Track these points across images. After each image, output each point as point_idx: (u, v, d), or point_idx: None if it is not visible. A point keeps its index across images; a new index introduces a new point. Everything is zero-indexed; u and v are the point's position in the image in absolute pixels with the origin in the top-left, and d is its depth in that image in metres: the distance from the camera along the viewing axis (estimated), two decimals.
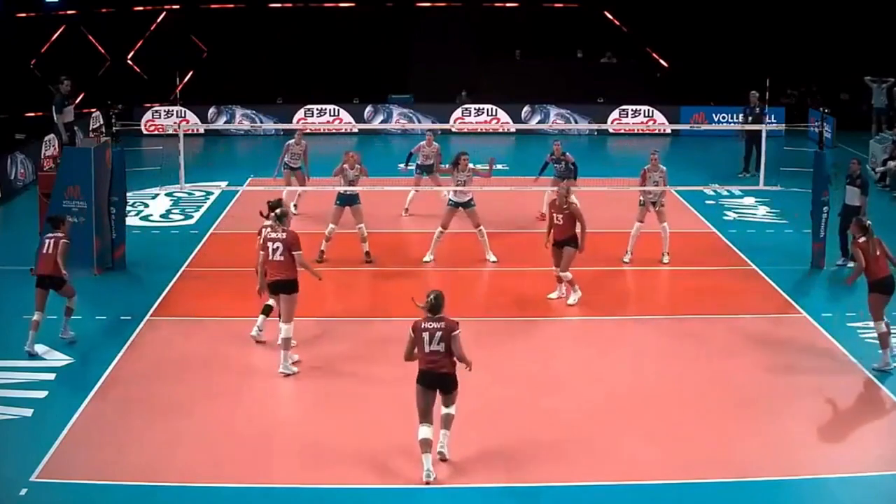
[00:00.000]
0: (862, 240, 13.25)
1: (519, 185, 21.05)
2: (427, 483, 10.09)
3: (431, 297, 10.30)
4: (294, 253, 12.77)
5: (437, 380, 10.27)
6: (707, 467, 10.64)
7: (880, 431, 11.65)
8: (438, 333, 10.20)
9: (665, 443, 11.19)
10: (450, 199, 17.59)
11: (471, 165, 17.40)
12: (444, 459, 10.45)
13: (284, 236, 12.84)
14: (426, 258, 17.48)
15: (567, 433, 11.31)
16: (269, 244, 12.84)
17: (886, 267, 13.24)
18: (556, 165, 19.47)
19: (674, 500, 10.09)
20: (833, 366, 13.39)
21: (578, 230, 15.23)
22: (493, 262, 17.42)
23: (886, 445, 11.27)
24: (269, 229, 13.06)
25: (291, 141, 20.53)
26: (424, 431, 10.21)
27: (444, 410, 10.41)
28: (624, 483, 10.34)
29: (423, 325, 10.24)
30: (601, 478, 10.41)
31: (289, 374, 12.76)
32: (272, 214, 13.18)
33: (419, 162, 20.75)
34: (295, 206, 20.08)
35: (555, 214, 15.40)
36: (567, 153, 19.51)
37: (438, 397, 10.37)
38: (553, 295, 15.72)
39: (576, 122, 31.03)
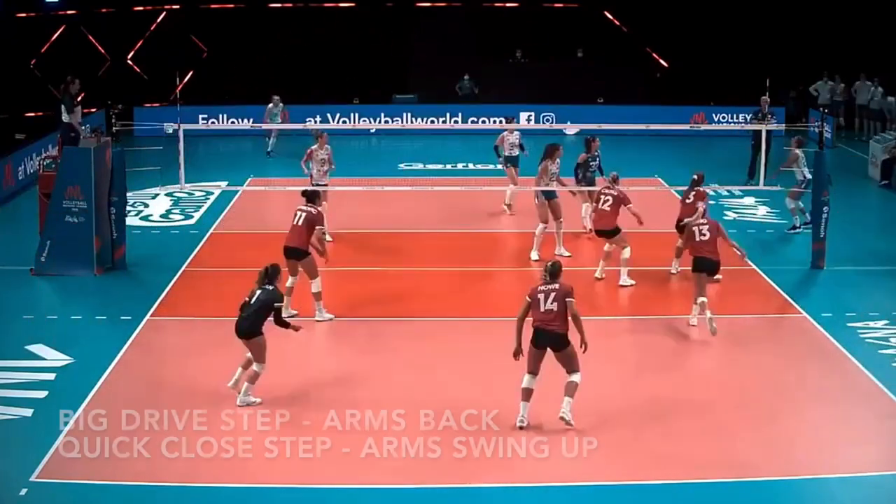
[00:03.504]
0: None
1: (521, 185, 21.05)
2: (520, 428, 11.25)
3: (549, 264, 11.73)
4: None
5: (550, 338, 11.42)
6: (707, 467, 10.65)
7: (880, 431, 11.65)
8: (553, 294, 11.42)
9: (665, 443, 11.19)
10: (541, 192, 17.40)
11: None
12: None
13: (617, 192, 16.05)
14: (533, 256, 17.50)
15: (567, 433, 11.31)
16: None
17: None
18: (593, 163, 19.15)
19: (674, 500, 10.10)
20: (833, 366, 13.39)
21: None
22: (568, 256, 17.40)
23: (886, 445, 11.28)
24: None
25: (314, 146, 18.53)
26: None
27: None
28: (624, 483, 10.35)
29: (538, 288, 11.55)
30: (601, 478, 10.42)
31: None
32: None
33: (506, 153, 20.35)
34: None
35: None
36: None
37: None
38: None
39: (576, 122, 30.94)
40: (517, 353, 11.51)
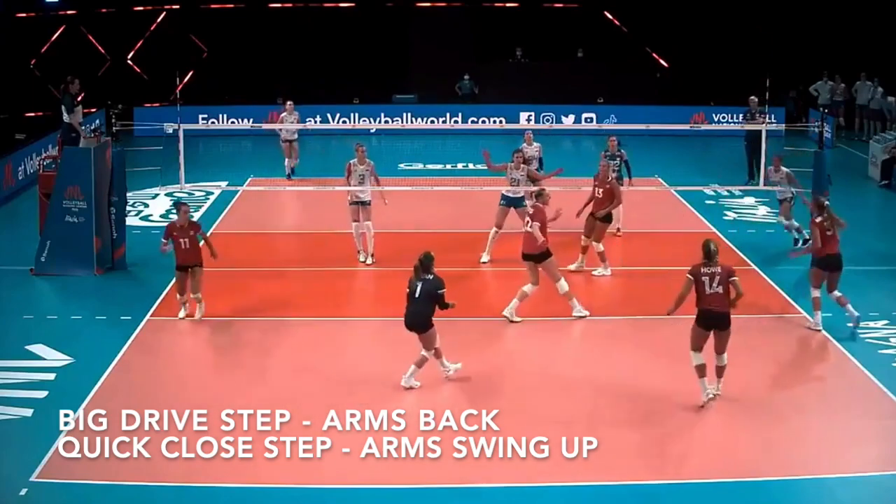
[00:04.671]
0: (819, 219, 14.23)
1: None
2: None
3: (708, 245, 12.18)
4: None
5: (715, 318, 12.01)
6: (707, 467, 10.65)
7: (880, 431, 11.65)
8: (717, 277, 11.99)
9: (665, 443, 11.19)
10: (502, 196, 17.44)
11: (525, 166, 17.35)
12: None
13: None
14: (483, 258, 17.48)
15: (567, 433, 11.30)
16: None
17: (836, 246, 14.25)
18: (612, 163, 18.49)
19: (674, 500, 10.10)
20: (833, 366, 13.40)
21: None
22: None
23: (886, 445, 11.28)
24: None
25: (353, 160, 17.39)
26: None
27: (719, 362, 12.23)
28: (624, 483, 10.35)
29: (700, 270, 12.03)
30: (601, 478, 10.42)
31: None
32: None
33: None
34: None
35: (597, 188, 16.80)
36: (622, 150, 18.79)
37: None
38: (573, 266, 16.59)
39: (575, 121, 30.97)
40: (670, 312, 12.25)
